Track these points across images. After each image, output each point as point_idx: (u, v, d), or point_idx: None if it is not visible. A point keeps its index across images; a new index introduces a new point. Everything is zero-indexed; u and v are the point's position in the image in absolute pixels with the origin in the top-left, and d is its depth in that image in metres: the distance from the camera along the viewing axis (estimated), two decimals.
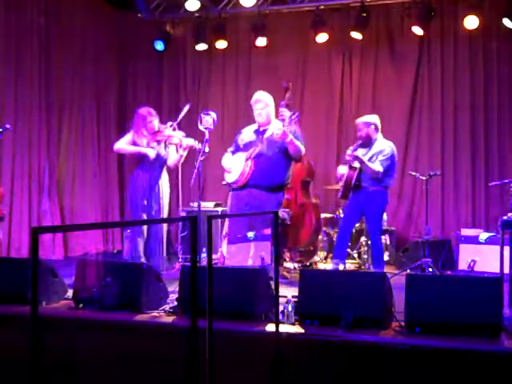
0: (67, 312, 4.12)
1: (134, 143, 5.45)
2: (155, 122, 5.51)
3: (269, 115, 5.25)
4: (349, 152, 5.58)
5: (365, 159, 5.45)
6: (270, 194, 5.12)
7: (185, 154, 5.42)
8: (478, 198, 7.66)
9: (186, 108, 5.41)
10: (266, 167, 5.12)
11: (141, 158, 5.44)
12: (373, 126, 5.66)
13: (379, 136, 5.69)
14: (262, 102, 5.23)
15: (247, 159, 5.18)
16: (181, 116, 5.46)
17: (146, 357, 3.66)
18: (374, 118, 5.74)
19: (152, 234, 5.37)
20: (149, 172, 5.42)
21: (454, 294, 3.46)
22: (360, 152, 5.58)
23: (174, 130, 5.47)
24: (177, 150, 5.50)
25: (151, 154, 5.39)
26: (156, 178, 5.42)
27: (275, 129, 5.09)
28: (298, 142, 5.12)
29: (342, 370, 3.39)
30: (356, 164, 5.51)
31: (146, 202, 5.37)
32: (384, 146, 5.60)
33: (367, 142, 5.65)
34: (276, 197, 5.18)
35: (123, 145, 5.48)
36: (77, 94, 7.79)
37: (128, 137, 5.50)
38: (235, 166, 5.23)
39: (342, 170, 5.77)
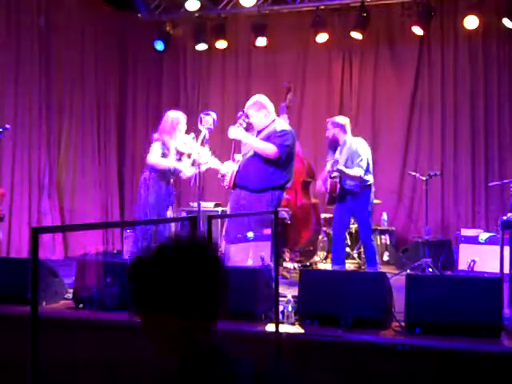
0: (67, 312, 4.12)
1: (166, 149, 5.25)
2: (183, 129, 5.36)
3: (260, 120, 5.18)
4: (328, 167, 5.54)
5: (345, 169, 5.41)
6: (256, 194, 5.05)
7: (204, 171, 5.29)
8: (478, 198, 7.66)
9: (202, 134, 5.23)
10: (251, 169, 5.08)
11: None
12: (338, 129, 5.64)
13: (348, 137, 5.66)
14: (250, 110, 5.17)
15: (233, 160, 5.19)
16: (199, 140, 5.27)
17: (145, 357, 3.66)
18: (343, 120, 5.72)
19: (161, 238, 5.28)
20: (166, 178, 5.28)
21: (453, 294, 3.46)
22: (334, 157, 5.58)
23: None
24: (193, 163, 5.34)
25: (188, 172, 5.26)
26: (173, 187, 5.36)
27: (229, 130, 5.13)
28: (260, 143, 5.02)
29: (342, 370, 3.39)
30: (334, 174, 5.49)
31: (161, 210, 5.26)
32: (355, 145, 5.56)
33: (334, 144, 5.65)
34: (264, 197, 5.03)
35: (159, 159, 5.20)
36: (77, 93, 7.79)
37: (158, 148, 5.23)
38: (228, 169, 5.24)
39: (319, 185, 5.79)
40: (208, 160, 5.25)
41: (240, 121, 5.08)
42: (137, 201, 5.42)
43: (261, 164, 5.04)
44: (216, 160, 5.27)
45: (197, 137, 5.28)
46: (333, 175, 5.48)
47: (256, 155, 5.06)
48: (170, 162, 5.24)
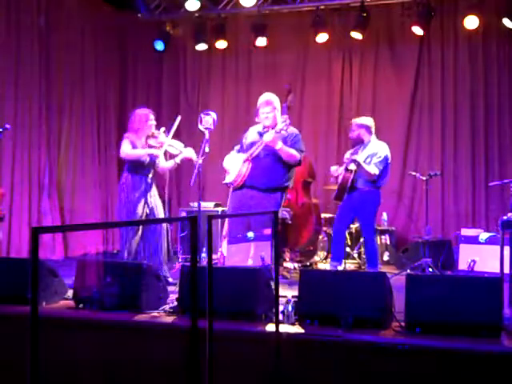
0: (67, 312, 4.12)
1: (134, 146, 5.28)
2: (152, 125, 5.36)
3: (275, 118, 5.23)
4: (347, 156, 5.60)
5: (362, 162, 5.42)
6: (265, 194, 5.10)
7: (179, 162, 5.33)
8: (478, 197, 7.66)
9: (178, 120, 5.27)
10: (263, 169, 5.12)
11: (133, 162, 5.25)
12: (363, 129, 5.64)
13: (372, 138, 5.66)
14: (271, 106, 5.19)
15: (245, 161, 5.18)
16: (173, 129, 5.29)
17: (145, 357, 3.66)
18: (368, 121, 5.72)
19: (151, 240, 5.29)
20: (143, 177, 5.27)
21: (453, 294, 3.46)
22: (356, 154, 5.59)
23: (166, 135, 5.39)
24: (166, 157, 5.37)
25: (158, 153, 5.24)
26: (150, 183, 5.31)
27: (266, 134, 5.08)
28: (290, 150, 5.09)
29: (342, 370, 3.39)
30: (352, 166, 5.49)
31: (142, 208, 5.23)
32: (378, 148, 5.57)
33: (358, 144, 5.66)
34: (273, 197, 5.13)
35: (130, 150, 5.23)
36: (77, 93, 7.79)
37: (127, 143, 5.28)
38: (234, 166, 5.23)
39: (334, 169, 5.77)
40: (181, 150, 5.26)
41: (283, 132, 5.04)
42: (117, 205, 5.46)
43: (277, 165, 5.13)
44: (190, 149, 5.27)
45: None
46: (349, 167, 5.47)
47: (271, 156, 5.09)
48: (141, 151, 5.24)
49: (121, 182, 5.37)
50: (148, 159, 5.28)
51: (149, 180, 5.33)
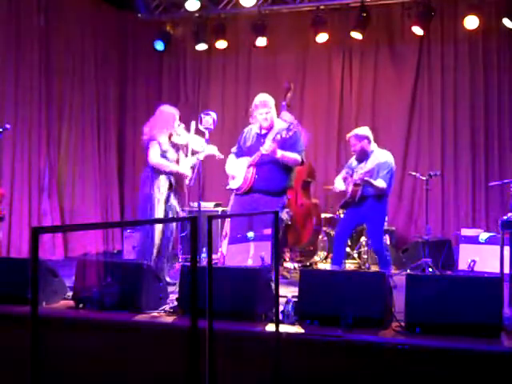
0: (67, 312, 4.12)
1: (161, 149, 5.13)
2: (177, 125, 5.25)
3: (273, 118, 5.23)
4: (359, 175, 5.33)
5: (372, 181, 5.30)
6: (272, 197, 5.12)
7: (202, 159, 5.21)
8: (478, 197, 7.66)
9: (193, 125, 5.20)
10: (268, 173, 5.12)
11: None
12: (366, 140, 5.52)
13: (374, 147, 5.57)
14: (268, 107, 5.17)
15: (249, 166, 5.16)
16: (191, 133, 5.21)
17: (146, 357, 3.66)
18: (366, 131, 5.61)
19: (168, 237, 5.25)
20: (166, 175, 5.18)
21: (453, 293, 3.46)
22: (358, 166, 5.51)
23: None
24: (185, 154, 5.29)
25: (189, 173, 5.17)
26: (173, 181, 5.23)
27: (265, 144, 5.03)
28: (291, 155, 5.08)
29: (342, 370, 3.39)
30: (360, 182, 5.42)
31: (166, 205, 5.17)
32: (382, 158, 5.46)
33: (363, 156, 5.53)
34: (279, 200, 5.18)
35: (159, 159, 5.09)
36: (77, 94, 7.78)
37: (157, 148, 5.11)
38: (238, 172, 5.21)
39: (339, 184, 5.64)
40: (204, 147, 5.18)
41: (279, 136, 4.98)
42: (139, 199, 5.34)
43: (281, 168, 5.15)
44: (212, 147, 5.23)
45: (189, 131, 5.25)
46: (357, 182, 5.41)
47: (275, 160, 5.08)
48: (172, 166, 5.13)
49: (143, 177, 5.24)
50: (189, 176, 5.19)
51: (172, 180, 5.21)
